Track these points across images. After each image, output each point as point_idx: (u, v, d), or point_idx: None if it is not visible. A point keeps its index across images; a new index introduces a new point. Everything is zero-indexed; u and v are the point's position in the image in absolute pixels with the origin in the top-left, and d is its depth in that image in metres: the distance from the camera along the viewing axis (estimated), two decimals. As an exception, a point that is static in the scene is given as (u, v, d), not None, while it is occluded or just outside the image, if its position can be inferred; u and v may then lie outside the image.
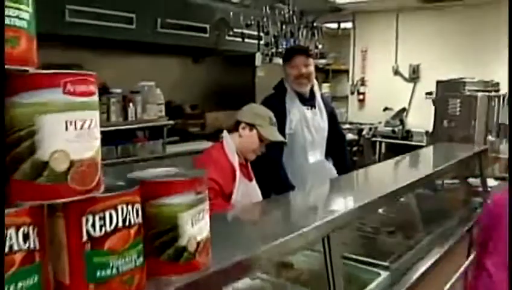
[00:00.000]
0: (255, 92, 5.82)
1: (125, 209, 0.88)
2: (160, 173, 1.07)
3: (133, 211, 0.90)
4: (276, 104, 2.89)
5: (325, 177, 3.05)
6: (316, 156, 2.99)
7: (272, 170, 2.76)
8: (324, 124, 3.04)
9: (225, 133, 2.38)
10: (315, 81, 3.06)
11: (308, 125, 2.94)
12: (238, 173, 2.30)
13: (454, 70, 5.72)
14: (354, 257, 2.10)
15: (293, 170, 2.90)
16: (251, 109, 2.42)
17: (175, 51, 5.37)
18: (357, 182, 2.41)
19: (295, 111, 2.91)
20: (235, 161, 2.31)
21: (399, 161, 2.91)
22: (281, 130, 2.84)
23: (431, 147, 3.38)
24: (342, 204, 1.79)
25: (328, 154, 3.10)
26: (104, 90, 3.43)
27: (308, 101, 3.00)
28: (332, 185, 2.34)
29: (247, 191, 2.34)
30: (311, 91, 3.02)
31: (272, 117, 2.39)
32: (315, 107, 3.02)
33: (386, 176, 2.48)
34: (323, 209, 1.77)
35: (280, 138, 2.40)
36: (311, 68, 2.96)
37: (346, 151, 3.34)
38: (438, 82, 4.67)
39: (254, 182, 2.47)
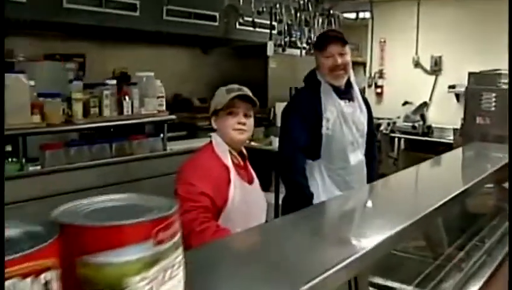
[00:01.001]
0: (268, 84, 5.49)
1: (20, 286, 0.49)
2: (103, 205, 0.68)
3: (35, 285, 0.51)
4: (310, 99, 2.53)
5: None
6: (357, 155, 2.60)
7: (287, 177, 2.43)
8: (364, 118, 2.65)
9: (213, 134, 2.06)
10: (351, 71, 2.65)
11: (347, 121, 2.54)
12: (232, 173, 1.95)
13: (480, 62, 5.30)
14: (381, 282, 1.72)
15: (333, 174, 2.54)
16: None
17: (183, 41, 5.08)
18: (391, 195, 1.97)
19: (331, 107, 2.52)
20: (228, 160, 1.98)
21: (433, 165, 2.48)
22: (318, 130, 2.50)
23: (463, 149, 2.92)
24: (376, 228, 1.38)
25: None
26: (125, 78, 3.08)
27: (345, 93, 2.59)
28: (360, 198, 1.92)
29: (244, 195, 1.98)
30: (348, 82, 2.62)
31: (231, 86, 2.03)
32: (353, 100, 2.62)
33: (425, 185, 2.04)
34: (352, 237, 1.36)
35: (236, 92, 1.97)
36: (348, 57, 2.55)
37: (375, 153, 2.90)
38: (470, 74, 4.20)
39: (255, 184, 2.12)
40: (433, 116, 6.12)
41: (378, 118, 6.31)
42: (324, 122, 2.49)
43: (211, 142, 2.04)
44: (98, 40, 4.64)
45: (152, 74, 3.07)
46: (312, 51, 3.31)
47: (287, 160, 2.46)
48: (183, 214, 1.76)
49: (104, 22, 3.78)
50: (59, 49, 4.28)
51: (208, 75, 5.53)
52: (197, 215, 1.79)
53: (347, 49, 2.56)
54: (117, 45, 4.81)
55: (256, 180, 2.13)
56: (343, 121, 2.53)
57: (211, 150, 2.00)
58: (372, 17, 6.63)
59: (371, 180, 2.64)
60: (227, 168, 1.95)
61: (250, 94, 2.04)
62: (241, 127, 2.01)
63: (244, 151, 2.14)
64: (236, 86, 2.05)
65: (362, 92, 2.81)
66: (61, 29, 4.04)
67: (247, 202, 1.99)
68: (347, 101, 2.58)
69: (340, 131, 2.52)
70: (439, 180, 2.21)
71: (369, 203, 1.93)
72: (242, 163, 2.08)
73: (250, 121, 2.06)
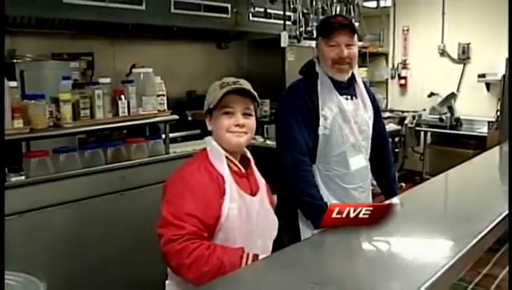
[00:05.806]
0: (285, 79, 5.12)
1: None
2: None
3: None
4: (307, 93, 2.10)
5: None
6: (360, 160, 2.17)
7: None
8: (370, 118, 2.22)
9: (208, 138, 1.69)
10: (356, 65, 2.21)
11: (348, 121, 2.12)
12: (228, 184, 1.58)
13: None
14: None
15: (329, 180, 2.11)
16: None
17: (196, 35, 4.74)
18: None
19: (330, 104, 2.09)
20: (224, 168, 1.60)
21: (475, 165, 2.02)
22: (314, 129, 2.09)
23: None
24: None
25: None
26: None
27: (347, 88, 2.16)
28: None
29: (246, 208, 1.61)
30: (351, 75, 2.19)
31: (226, 80, 1.64)
32: (356, 97, 2.18)
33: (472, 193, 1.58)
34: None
35: (231, 86, 1.60)
36: (355, 49, 2.12)
37: (390, 160, 2.44)
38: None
39: (261, 195, 1.71)
40: (461, 108, 5.70)
41: (403, 111, 6.04)
42: (321, 121, 2.08)
43: (205, 149, 1.65)
44: (107, 37, 4.33)
45: (151, 70, 2.69)
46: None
47: (290, 171, 2.05)
48: (168, 243, 1.46)
49: (108, 17, 3.44)
50: (67, 48, 4.01)
51: (223, 70, 5.16)
52: (183, 244, 1.44)
53: (355, 39, 2.12)
54: (127, 42, 4.50)
55: (263, 190, 1.73)
56: (343, 120, 2.10)
57: (203, 158, 1.62)
58: (394, 4, 6.26)
59: (393, 193, 2.23)
60: (222, 178, 1.58)
61: (249, 87, 1.63)
62: (238, 129, 1.62)
63: (249, 155, 1.74)
64: (231, 78, 1.65)
65: (368, 86, 2.36)
66: (65, 27, 3.73)
67: (249, 216, 1.61)
68: (348, 97, 2.15)
69: (340, 131, 2.10)
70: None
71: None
72: (243, 170, 1.68)
73: (251, 121, 1.65)
